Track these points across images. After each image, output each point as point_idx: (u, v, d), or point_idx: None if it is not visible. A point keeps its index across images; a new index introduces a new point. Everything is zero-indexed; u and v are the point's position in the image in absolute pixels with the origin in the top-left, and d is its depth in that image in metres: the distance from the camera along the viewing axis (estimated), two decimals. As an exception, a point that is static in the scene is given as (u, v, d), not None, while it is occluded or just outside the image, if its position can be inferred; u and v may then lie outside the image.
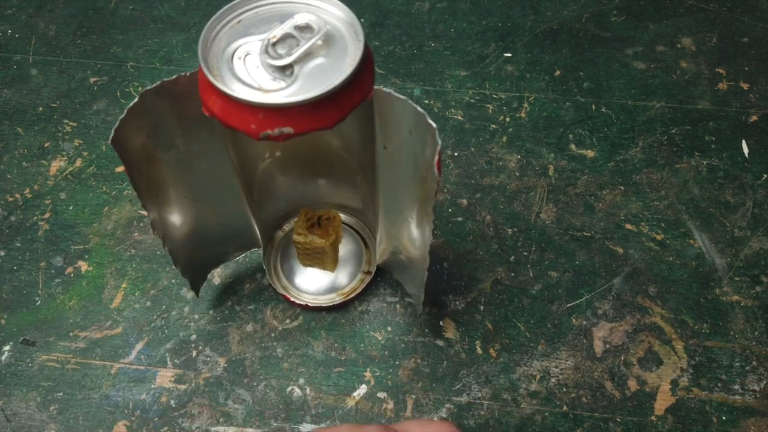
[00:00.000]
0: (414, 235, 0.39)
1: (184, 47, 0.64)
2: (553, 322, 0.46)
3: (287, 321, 0.46)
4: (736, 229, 0.51)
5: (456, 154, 0.55)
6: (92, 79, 0.61)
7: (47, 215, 0.52)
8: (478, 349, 0.45)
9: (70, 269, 0.49)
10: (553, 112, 0.58)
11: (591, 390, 0.43)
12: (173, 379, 0.44)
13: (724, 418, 0.42)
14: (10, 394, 0.43)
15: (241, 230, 0.46)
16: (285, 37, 0.30)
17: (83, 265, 0.49)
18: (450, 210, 0.52)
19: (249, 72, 0.29)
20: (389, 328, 0.46)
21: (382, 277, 0.48)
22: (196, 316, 0.47)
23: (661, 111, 0.58)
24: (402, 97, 0.30)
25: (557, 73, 0.61)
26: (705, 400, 0.43)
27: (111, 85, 0.61)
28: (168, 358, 0.45)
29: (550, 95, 0.59)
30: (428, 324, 0.46)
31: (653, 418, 0.42)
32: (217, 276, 0.48)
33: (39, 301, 0.48)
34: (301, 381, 0.44)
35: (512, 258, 0.49)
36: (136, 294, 0.48)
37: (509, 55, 0.62)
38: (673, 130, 0.57)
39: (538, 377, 0.44)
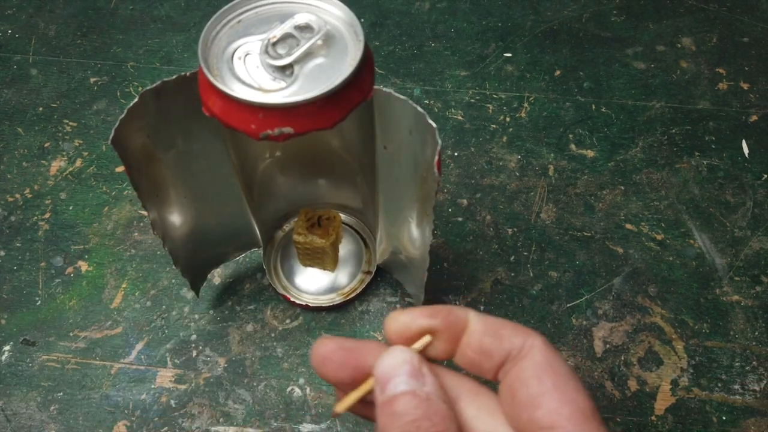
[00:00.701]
0: (414, 235, 0.39)
1: (184, 47, 0.64)
2: (553, 322, 0.46)
3: (287, 321, 0.46)
4: (736, 229, 0.51)
5: (456, 154, 0.55)
6: (92, 79, 0.61)
7: (47, 215, 0.52)
8: (478, 349, 0.45)
9: (70, 269, 0.49)
10: (553, 112, 0.58)
11: (591, 390, 0.43)
12: (173, 379, 0.44)
13: (724, 418, 0.42)
14: (10, 394, 0.43)
15: (241, 230, 0.46)
16: (285, 37, 0.30)
17: (83, 265, 0.49)
18: (450, 210, 0.52)
19: (249, 72, 0.29)
20: (389, 328, 0.46)
21: (382, 277, 0.48)
22: (196, 316, 0.47)
23: (661, 111, 0.58)
24: (402, 97, 0.30)
25: (557, 73, 0.61)
26: (705, 400, 0.43)
27: (111, 85, 0.61)
28: (168, 358, 0.45)
29: (550, 95, 0.59)
30: (428, 324, 0.46)
31: (653, 418, 0.42)
32: (217, 276, 0.48)
33: (39, 301, 0.48)
34: (301, 381, 0.44)
35: (512, 258, 0.49)
36: (136, 294, 0.48)
37: (509, 55, 0.62)
38: (673, 130, 0.57)
39: (538, 377, 0.44)
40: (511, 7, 0.66)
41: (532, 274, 0.48)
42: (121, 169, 0.55)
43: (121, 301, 0.48)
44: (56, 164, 0.55)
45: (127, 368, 0.45)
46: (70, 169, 0.55)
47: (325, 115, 0.28)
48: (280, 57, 0.29)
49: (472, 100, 0.59)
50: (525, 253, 0.49)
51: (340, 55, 0.29)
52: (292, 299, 0.46)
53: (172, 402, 0.43)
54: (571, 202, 0.52)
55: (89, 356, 0.45)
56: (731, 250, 0.49)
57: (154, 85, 0.31)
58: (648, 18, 0.65)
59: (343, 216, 0.49)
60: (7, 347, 0.46)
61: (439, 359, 0.25)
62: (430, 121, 0.29)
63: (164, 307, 0.47)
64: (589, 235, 0.50)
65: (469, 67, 0.61)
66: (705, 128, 0.57)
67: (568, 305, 0.47)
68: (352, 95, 0.29)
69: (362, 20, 0.65)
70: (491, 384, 0.24)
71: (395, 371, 0.23)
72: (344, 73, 0.28)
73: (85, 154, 0.56)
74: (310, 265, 0.47)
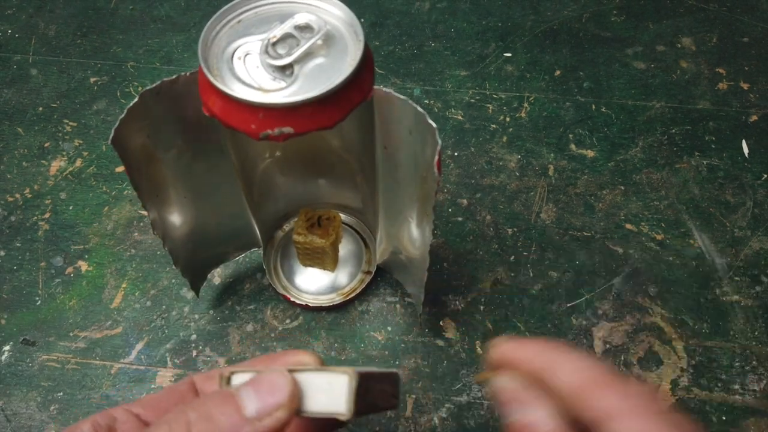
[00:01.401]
0: (414, 235, 0.39)
1: (184, 47, 0.64)
2: (553, 322, 0.46)
3: (287, 321, 0.46)
4: (736, 229, 0.51)
5: (456, 154, 0.55)
6: (92, 79, 0.61)
7: (47, 215, 0.52)
8: (478, 349, 0.45)
9: (70, 269, 0.49)
10: (553, 112, 0.58)
11: (591, 390, 0.43)
12: (173, 379, 0.44)
13: (724, 418, 0.42)
14: (10, 394, 0.43)
15: (241, 230, 0.46)
16: (285, 37, 0.30)
17: (83, 265, 0.49)
18: (450, 210, 0.52)
19: (249, 72, 0.29)
20: (389, 328, 0.46)
21: (382, 277, 0.48)
22: (196, 316, 0.47)
23: (661, 111, 0.58)
24: (402, 97, 0.30)
25: (557, 73, 0.61)
26: (705, 400, 0.43)
27: (111, 85, 0.61)
28: (168, 358, 0.45)
29: (550, 95, 0.59)
30: (428, 324, 0.46)
31: (653, 418, 0.42)
32: (217, 276, 0.48)
33: (39, 301, 0.48)
34: (301, 381, 0.44)
35: (512, 258, 0.49)
36: (136, 294, 0.48)
37: (509, 55, 0.62)
38: (673, 130, 0.57)
39: (538, 377, 0.44)
40: (511, 7, 0.66)
41: (532, 274, 0.48)
42: (121, 169, 0.55)
43: (121, 301, 0.48)
44: (56, 164, 0.55)
45: (127, 368, 0.45)
46: (70, 169, 0.55)
47: (325, 115, 0.28)
48: (280, 57, 0.29)
49: (472, 100, 0.59)
50: (525, 253, 0.49)
51: (340, 55, 0.29)
52: (292, 299, 0.46)
53: (172, 402, 0.43)
54: (571, 202, 0.52)
55: (89, 356, 0.45)
56: (731, 250, 0.49)
57: (154, 85, 0.31)
58: (648, 18, 0.65)
59: (343, 216, 0.49)
60: (7, 347, 0.46)
61: None
62: (430, 121, 0.29)
63: (164, 307, 0.47)
64: (589, 235, 0.50)
65: (469, 67, 0.61)
66: (705, 128, 0.57)
67: (568, 305, 0.47)
68: (352, 95, 0.29)
69: (362, 20, 0.65)
70: None
71: (513, 394, 0.23)
72: (344, 73, 0.28)
73: (85, 154, 0.56)
74: (310, 265, 0.47)
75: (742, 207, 0.52)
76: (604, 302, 0.47)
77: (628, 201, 0.52)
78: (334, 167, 0.45)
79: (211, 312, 0.47)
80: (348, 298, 0.46)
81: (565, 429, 0.22)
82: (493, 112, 0.58)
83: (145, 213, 0.52)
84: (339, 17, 0.31)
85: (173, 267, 0.46)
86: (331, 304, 0.46)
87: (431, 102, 0.59)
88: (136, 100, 0.31)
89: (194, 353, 0.45)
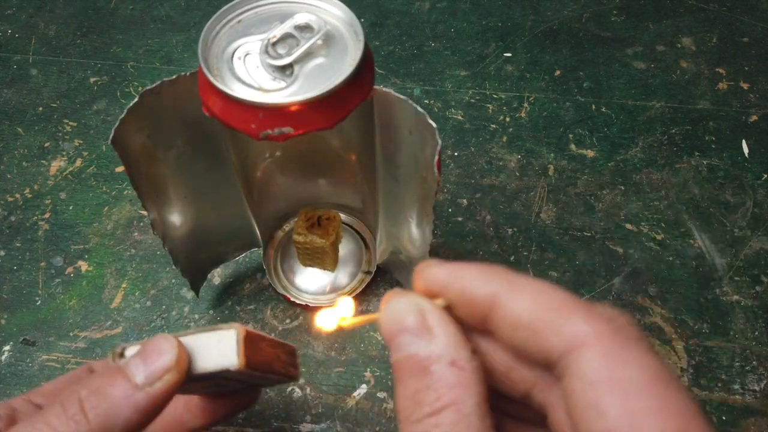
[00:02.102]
0: (414, 235, 0.39)
1: (184, 47, 0.64)
2: (553, 322, 0.46)
3: (287, 321, 0.46)
4: (736, 229, 0.51)
5: (456, 154, 0.55)
6: (92, 79, 0.61)
7: (47, 215, 0.52)
8: (478, 349, 0.45)
9: (70, 269, 0.49)
10: (553, 112, 0.58)
11: (591, 390, 0.43)
12: (173, 379, 0.44)
13: (724, 418, 0.42)
14: (10, 394, 0.43)
15: (241, 230, 0.46)
16: (285, 37, 0.30)
17: (83, 265, 0.49)
18: (450, 210, 0.52)
19: (249, 72, 0.29)
20: (389, 328, 0.46)
21: (382, 277, 0.48)
22: (196, 316, 0.47)
23: (661, 111, 0.58)
24: (402, 97, 0.30)
25: (557, 73, 0.61)
26: (705, 400, 0.43)
27: (111, 85, 0.61)
28: (168, 358, 0.45)
29: (550, 95, 0.59)
30: (428, 324, 0.46)
31: (653, 418, 0.42)
32: (217, 276, 0.48)
33: (39, 301, 0.48)
34: (301, 381, 0.44)
35: (512, 258, 0.49)
36: (136, 294, 0.48)
37: (509, 55, 0.62)
38: (673, 130, 0.57)
39: (538, 377, 0.44)
40: (511, 7, 0.66)
41: (532, 274, 0.48)
42: (121, 169, 0.55)
43: (121, 301, 0.48)
44: (56, 164, 0.55)
45: (127, 368, 0.45)
46: (70, 169, 0.55)
47: (325, 115, 0.28)
48: (280, 57, 0.29)
49: (472, 100, 0.59)
50: (525, 253, 0.49)
51: (340, 55, 0.29)
52: (292, 299, 0.46)
53: (172, 402, 0.43)
54: (571, 202, 0.52)
55: (89, 356, 0.45)
56: (731, 250, 0.49)
57: (154, 85, 0.31)
58: (648, 18, 0.65)
59: (343, 216, 0.49)
60: (7, 347, 0.46)
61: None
62: (430, 121, 0.29)
63: (164, 307, 0.47)
64: (589, 235, 0.50)
65: (469, 67, 0.61)
66: (705, 128, 0.57)
67: (568, 305, 0.47)
68: (352, 95, 0.29)
69: (362, 20, 0.65)
70: None
71: (399, 325, 0.19)
72: (344, 73, 0.28)
73: (85, 154, 0.56)
74: (310, 265, 0.47)
75: (742, 207, 0.52)
76: (604, 302, 0.47)
77: (628, 201, 0.52)
78: (334, 167, 0.45)
79: (211, 312, 0.47)
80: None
81: (475, 360, 0.18)
82: (493, 112, 0.58)
83: (145, 213, 0.52)
84: (339, 17, 0.31)
85: (173, 267, 0.46)
86: (331, 304, 0.46)
87: (431, 102, 0.59)
88: (136, 100, 0.31)
89: (194, 353, 0.45)
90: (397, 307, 0.20)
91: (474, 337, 0.20)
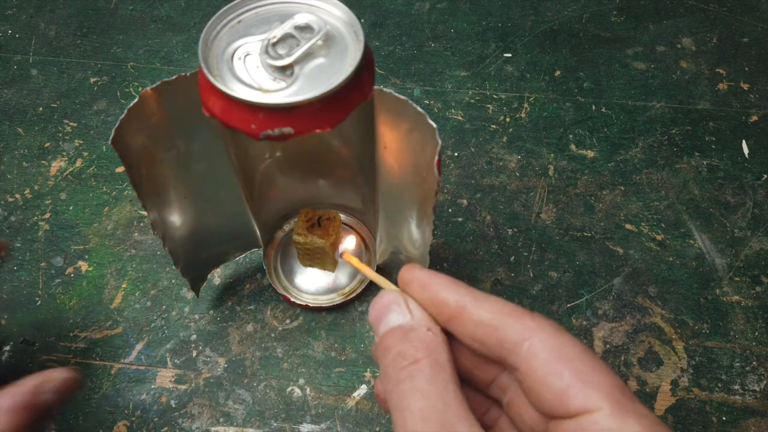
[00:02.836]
0: (414, 235, 0.39)
1: (184, 47, 0.64)
2: (553, 323, 0.46)
3: (287, 321, 0.46)
4: (736, 229, 0.51)
5: (456, 154, 0.55)
6: (92, 79, 0.61)
7: (47, 215, 0.52)
8: (478, 349, 0.45)
9: (70, 269, 0.49)
10: (553, 112, 0.58)
11: (591, 390, 0.43)
12: (173, 379, 0.44)
13: (724, 418, 0.42)
14: (10, 394, 0.43)
15: (241, 230, 0.46)
16: (285, 37, 0.30)
17: (83, 265, 0.49)
18: (450, 210, 0.52)
19: (249, 72, 0.29)
20: (389, 329, 0.46)
21: (382, 278, 0.48)
22: (196, 316, 0.47)
23: (661, 111, 0.58)
24: (402, 97, 0.30)
25: (557, 73, 0.61)
26: (705, 400, 0.43)
27: (111, 85, 0.61)
28: (168, 358, 0.45)
29: (550, 95, 0.59)
30: (428, 324, 0.46)
31: (653, 418, 0.42)
32: (217, 276, 0.48)
33: (39, 301, 0.48)
34: (301, 381, 0.44)
35: (512, 258, 0.49)
36: (136, 294, 0.48)
37: (509, 55, 0.62)
38: (673, 130, 0.57)
39: (538, 377, 0.44)
40: (511, 8, 0.66)
41: (532, 275, 0.48)
42: (121, 169, 0.55)
43: (121, 301, 0.48)
44: (56, 164, 0.55)
45: (127, 368, 0.45)
46: (70, 169, 0.55)
47: (325, 115, 0.28)
48: (281, 57, 0.29)
49: (472, 101, 0.59)
50: (525, 254, 0.49)
51: (340, 55, 0.29)
52: (292, 299, 0.46)
53: (172, 402, 0.43)
54: (571, 203, 0.52)
55: (89, 356, 0.45)
56: (731, 250, 0.49)
57: (154, 85, 0.31)
58: (648, 18, 0.65)
59: (343, 216, 0.49)
60: (7, 347, 0.46)
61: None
62: (430, 121, 0.29)
63: (164, 307, 0.47)
64: (589, 235, 0.50)
65: (469, 68, 0.61)
66: (705, 128, 0.57)
67: (568, 305, 0.47)
68: (352, 96, 0.29)
69: (362, 20, 0.65)
70: None
71: (387, 307, 0.25)
72: (344, 73, 0.28)
73: (85, 154, 0.56)
74: (310, 266, 0.47)
75: (742, 207, 0.52)
76: (604, 302, 0.47)
77: (628, 201, 0.52)
78: (334, 167, 0.45)
79: (211, 312, 0.47)
80: (348, 298, 0.46)
81: (439, 334, 0.24)
82: (493, 112, 0.58)
83: (145, 213, 0.52)
84: (339, 17, 0.31)
85: (173, 267, 0.46)
86: (331, 304, 0.46)
87: (431, 102, 0.59)
88: (136, 100, 0.31)
89: (194, 353, 0.45)
90: (386, 296, 0.26)
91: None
